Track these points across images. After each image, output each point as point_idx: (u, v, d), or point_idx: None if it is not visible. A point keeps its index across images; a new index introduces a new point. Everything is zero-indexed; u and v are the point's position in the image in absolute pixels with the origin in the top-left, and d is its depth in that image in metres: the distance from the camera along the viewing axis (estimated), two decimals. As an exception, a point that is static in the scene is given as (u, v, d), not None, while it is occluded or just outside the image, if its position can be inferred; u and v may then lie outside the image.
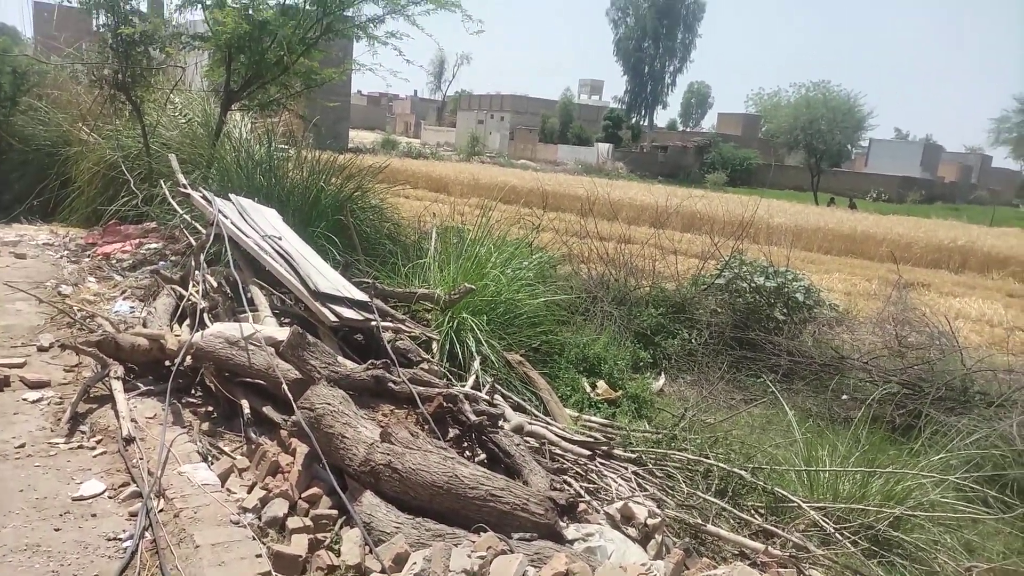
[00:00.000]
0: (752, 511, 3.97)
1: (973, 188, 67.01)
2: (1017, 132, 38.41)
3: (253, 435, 3.24)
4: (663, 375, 6.93)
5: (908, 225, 22.50)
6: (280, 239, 4.78)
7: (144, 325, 4.29)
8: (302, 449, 2.91)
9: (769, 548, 3.20)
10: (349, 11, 7.38)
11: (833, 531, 3.72)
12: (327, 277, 4.48)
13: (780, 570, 2.97)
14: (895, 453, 4.63)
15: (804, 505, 3.87)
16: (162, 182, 6.54)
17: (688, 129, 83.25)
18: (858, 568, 3.42)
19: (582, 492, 3.54)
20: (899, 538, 3.96)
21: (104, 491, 2.77)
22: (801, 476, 4.38)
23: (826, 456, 4.49)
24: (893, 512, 3.93)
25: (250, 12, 7.05)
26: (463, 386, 4.22)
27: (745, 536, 3.57)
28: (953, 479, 4.25)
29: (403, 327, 4.43)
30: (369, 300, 4.35)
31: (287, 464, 2.91)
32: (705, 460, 4.25)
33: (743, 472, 4.08)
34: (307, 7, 7.20)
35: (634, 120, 75.53)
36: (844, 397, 6.20)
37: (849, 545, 3.61)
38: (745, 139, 63.63)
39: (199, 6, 7.30)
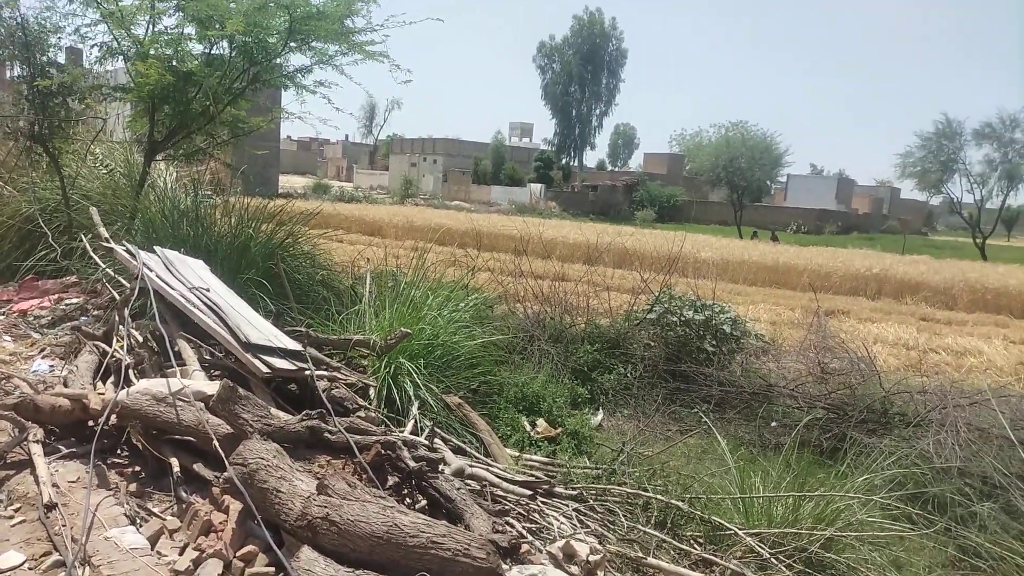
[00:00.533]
0: (691, 541, 4.05)
1: (885, 219, 70.94)
2: (921, 166, 40.83)
3: (184, 494, 3.14)
4: (601, 410, 7.02)
5: (827, 255, 23.55)
6: (208, 290, 4.69)
7: (65, 385, 4.11)
8: (236, 506, 2.84)
9: (708, 577, 3.27)
10: (277, 60, 7.38)
11: (769, 556, 3.83)
12: (258, 327, 4.40)
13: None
14: (823, 476, 4.80)
15: (740, 532, 3.97)
16: (82, 235, 6.33)
17: (616, 168, 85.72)
18: (793, 591, 3.52)
19: (524, 532, 3.55)
20: (831, 559, 4.09)
21: (24, 562, 2.63)
22: (737, 503, 4.49)
23: (759, 482, 4.62)
24: (824, 534, 4.06)
25: (174, 63, 6.98)
26: (402, 432, 4.19)
27: (685, 567, 3.64)
28: (878, 499, 4.43)
29: (338, 375, 4.38)
30: (302, 349, 4.30)
31: (220, 523, 2.83)
32: (644, 493, 4.32)
33: (680, 503, 4.17)
34: (233, 58, 7.17)
35: (564, 161, 77.29)
36: (773, 424, 6.41)
37: (784, 569, 3.72)
38: (671, 177, 65.96)
39: (121, 58, 7.19)
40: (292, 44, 7.00)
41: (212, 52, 7.36)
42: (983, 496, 4.81)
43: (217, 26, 6.52)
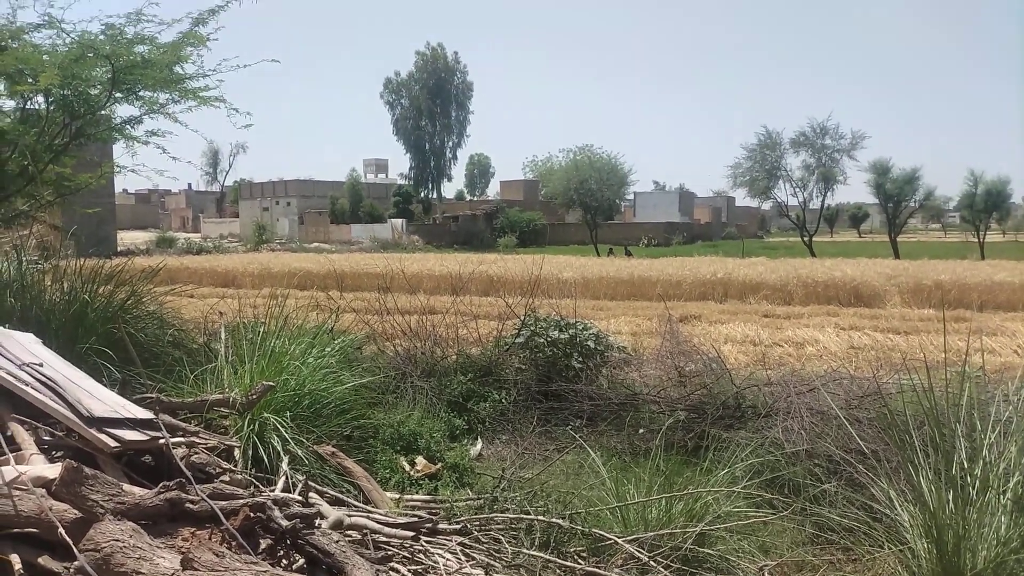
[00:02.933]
0: (575, 557, 4.15)
1: (724, 226, 76.79)
2: (749, 175, 44.59)
3: (28, 594, 2.85)
4: (480, 439, 7.06)
5: (676, 265, 25.01)
6: (41, 365, 4.31)
7: None
8: (90, 597, 2.61)
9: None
10: (102, 112, 6.95)
11: (648, 559, 3.99)
12: (102, 399, 4.09)
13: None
14: (690, 474, 5.07)
15: (619, 540, 4.11)
16: None
17: (475, 198, 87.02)
18: (673, 589, 3.69)
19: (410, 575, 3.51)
20: (705, 553, 4.32)
21: None
22: (615, 512, 4.65)
23: (633, 489, 4.82)
24: (696, 530, 4.29)
25: (-18, 122, 6.42)
26: (272, 491, 4.02)
27: (571, 583, 3.73)
28: (740, 489, 4.74)
29: (197, 439, 4.15)
30: (154, 417, 4.03)
31: (74, 618, 2.59)
32: (526, 516, 4.38)
33: (561, 521, 4.26)
34: (51, 113, 6.68)
35: (423, 194, 77.52)
36: (641, 431, 6.71)
37: (663, 570, 3.89)
38: (528, 202, 67.91)
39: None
40: (118, 95, 6.62)
41: (27, 107, 6.82)
42: (830, 474, 5.26)
43: (30, 80, 6.06)
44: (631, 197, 68.24)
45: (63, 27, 6.56)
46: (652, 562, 3.95)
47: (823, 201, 46.55)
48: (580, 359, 7.97)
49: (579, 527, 4.29)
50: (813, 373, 7.84)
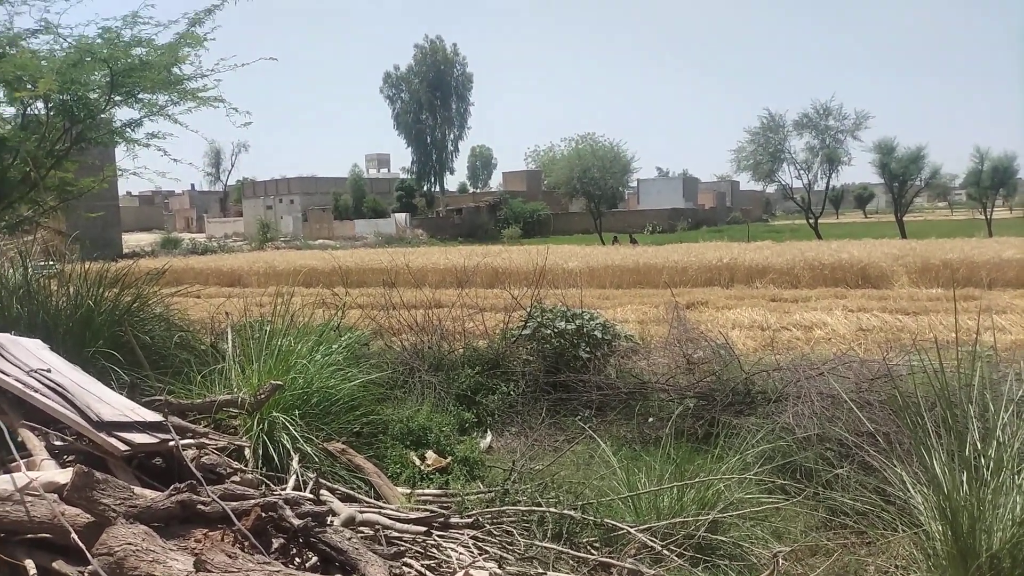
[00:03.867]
0: (588, 547, 4.15)
1: (729, 211, 76.46)
2: (753, 159, 44.26)
3: (44, 599, 2.86)
4: (489, 432, 7.06)
5: (681, 251, 24.93)
6: (49, 371, 4.31)
7: None
8: (105, 601, 2.62)
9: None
10: (102, 116, 6.94)
11: (661, 548, 3.99)
12: (111, 403, 4.10)
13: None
14: (701, 462, 5.06)
15: (632, 530, 4.11)
16: None
17: (478, 190, 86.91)
18: (687, 578, 3.69)
19: (423, 571, 3.51)
20: (718, 540, 4.32)
21: None
22: (627, 502, 4.65)
23: (644, 478, 4.81)
24: (708, 518, 4.28)
25: (-18, 131, 6.42)
26: (283, 489, 4.03)
27: (584, 574, 3.72)
28: (751, 475, 4.73)
29: (207, 440, 4.15)
30: (164, 419, 4.04)
31: (89, 622, 2.60)
32: (537, 508, 4.38)
33: (573, 512, 4.26)
34: (51, 118, 6.67)
35: (426, 188, 77.39)
36: (651, 419, 6.70)
37: (676, 559, 3.89)
38: (531, 192, 67.78)
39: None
40: (117, 98, 6.61)
41: (27, 113, 6.82)
42: (842, 458, 5.24)
43: (29, 86, 6.05)
44: (634, 184, 68.10)
45: (60, 32, 6.56)
46: (665, 551, 3.95)
47: (828, 183, 46.18)
48: (587, 349, 7.96)
49: (591, 517, 4.29)
50: (822, 357, 7.80)
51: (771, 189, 54.93)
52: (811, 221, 44.11)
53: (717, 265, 21.33)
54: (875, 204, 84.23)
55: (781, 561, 3.76)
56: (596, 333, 8.07)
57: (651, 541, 4.01)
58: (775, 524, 4.67)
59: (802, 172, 44.33)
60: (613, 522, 4.23)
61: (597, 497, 4.73)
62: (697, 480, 4.57)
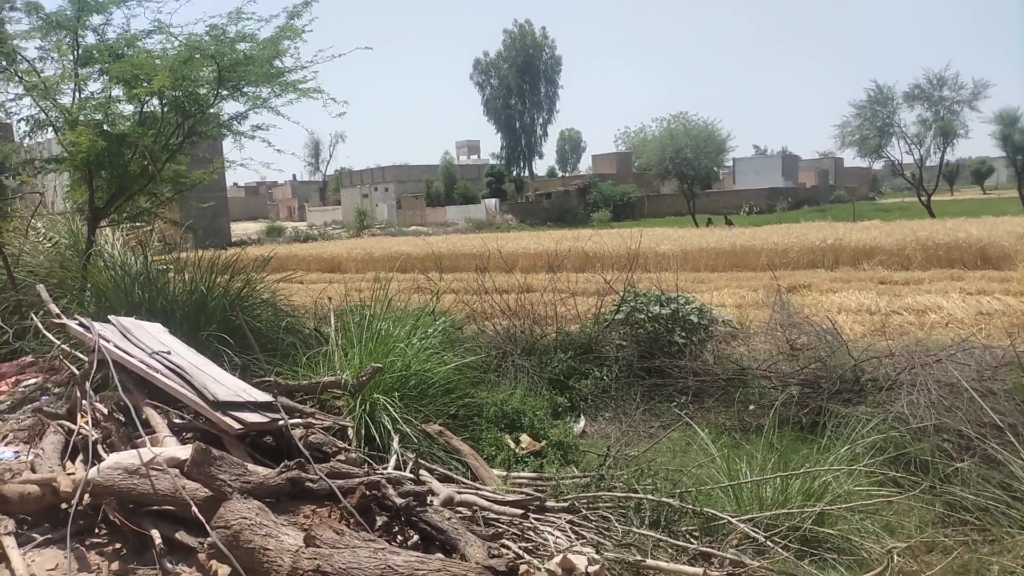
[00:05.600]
0: (687, 536, 4.06)
1: (832, 189, 72.73)
2: (858, 134, 41.85)
3: (169, 565, 3.05)
4: (582, 417, 7.03)
5: (781, 232, 23.92)
6: (169, 353, 4.59)
7: (32, 470, 3.97)
8: (224, 570, 2.78)
9: (707, 571, 3.28)
10: (211, 110, 7.29)
11: (764, 539, 3.86)
12: (225, 384, 4.32)
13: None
14: (806, 452, 4.87)
15: (733, 520, 4.00)
16: (32, 314, 6.15)
17: (567, 174, 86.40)
18: (792, 571, 3.55)
19: (521, 552, 3.53)
20: (825, 533, 4.15)
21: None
22: (727, 491, 4.52)
23: (745, 467, 4.67)
24: (815, 509, 4.11)
25: (105, 127, 6.85)
26: (385, 469, 4.14)
27: (684, 563, 3.65)
28: (861, 467, 4.50)
29: (313, 420, 4.31)
30: (273, 399, 4.23)
31: (210, 590, 2.76)
32: (634, 495, 4.32)
33: (671, 500, 4.18)
34: (166, 114, 7.07)
35: (515, 173, 77.60)
36: (751, 407, 6.48)
37: (781, 551, 3.75)
38: (621, 175, 66.72)
39: (50, 128, 7.03)
40: (224, 92, 6.91)
41: (144, 111, 7.25)
42: (961, 451, 4.92)
43: (144, 84, 6.42)
44: (730, 164, 65.77)
45: (171, 32, 6.92)
46: (768, 542, 3.82)
47: (942, 157, 43.12)
48: (683, 334, 7.78)
49: (690, 506, 4.20)
50: (939, 343, 7.32)
51: (878, 165, 51.98)
52: (923, 198, 41.39)
53: (820, 246, 20.36)
54: (995, 179, 78.14)
55: (896, 557, 3.57)
56: (692, 317, 7.87)
57: (754, 532, 3.89)
58: (887, 518, 4.44)
59: (913, 147, 41.60)
60: (713, 511, 4.13)
61: (696, 485, 4.62)
62: (803, 470, 4.39)
